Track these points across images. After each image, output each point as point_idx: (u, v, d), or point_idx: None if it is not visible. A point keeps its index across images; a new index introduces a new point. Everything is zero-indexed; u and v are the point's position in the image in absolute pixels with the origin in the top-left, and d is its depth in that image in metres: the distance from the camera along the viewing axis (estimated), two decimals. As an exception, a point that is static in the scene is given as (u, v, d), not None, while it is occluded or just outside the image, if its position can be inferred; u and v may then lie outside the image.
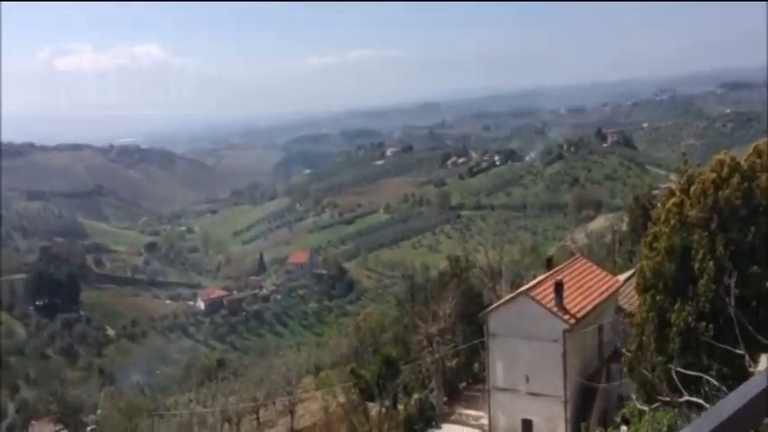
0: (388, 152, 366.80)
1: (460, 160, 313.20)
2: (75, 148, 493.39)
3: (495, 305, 32.26)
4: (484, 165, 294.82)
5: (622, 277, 36.15)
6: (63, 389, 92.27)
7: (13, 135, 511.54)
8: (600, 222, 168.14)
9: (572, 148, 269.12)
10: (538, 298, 29.32)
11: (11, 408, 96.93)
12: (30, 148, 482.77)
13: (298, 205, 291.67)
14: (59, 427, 76.28)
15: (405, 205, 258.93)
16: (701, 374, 14.27)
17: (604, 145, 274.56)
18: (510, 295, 31.99)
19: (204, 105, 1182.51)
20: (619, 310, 32.01)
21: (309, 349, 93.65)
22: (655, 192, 76.27)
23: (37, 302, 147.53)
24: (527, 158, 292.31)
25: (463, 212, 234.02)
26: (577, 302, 29.96)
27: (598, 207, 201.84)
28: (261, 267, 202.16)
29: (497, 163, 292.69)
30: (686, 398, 13.39)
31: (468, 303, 41.33)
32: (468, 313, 39.36)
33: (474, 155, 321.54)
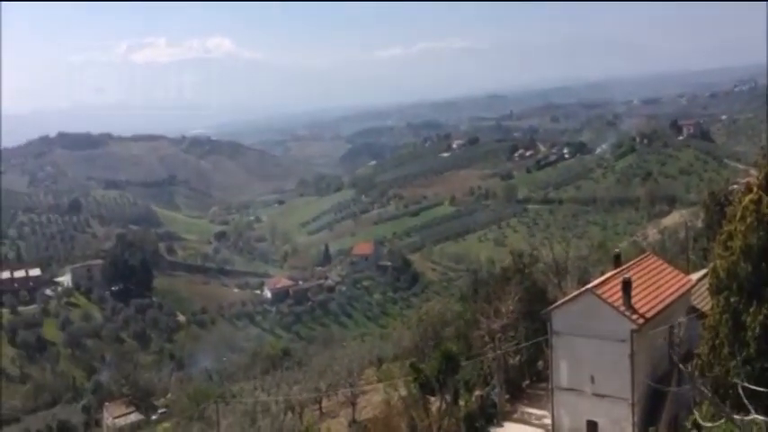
0: (454, 144, 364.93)
1: (528, 153, 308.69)
2: (150, 138, 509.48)
3: (559, 302, 31.42)
4: (552, 157, 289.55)
5: (696, 276, 34.70)
6: (136, 372, 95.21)
7: (91, 126, 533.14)
8: (674, 218, 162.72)
9: (645, 141, 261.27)
10: (604, 296, 28.35)
11: (88, 388, 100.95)
12: (107, 138, 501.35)
13: (363, 197, 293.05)
14: (131, 408, 78.77)
15: (471, 198, 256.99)
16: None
17: (680, 138, 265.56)
18: (575, 293, 31.10)
19: (273, 97, 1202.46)
20: (692, 310, 30.75)
21: (373, 341, 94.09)
22: (732, 187, 73.06)
23: (112, 288, 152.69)
24: (597, 151, 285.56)
25: (530, 206, 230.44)
26: (647, 302, 28.87)
27: (672, 202, 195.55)
28: (326, 258, 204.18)
29: (566, 156, 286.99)
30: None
31: (531, 300, 40.52)
32: (531, 310, 38.52)
33: (542, 147, 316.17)
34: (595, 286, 29.16)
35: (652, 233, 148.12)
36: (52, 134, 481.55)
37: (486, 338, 38.42)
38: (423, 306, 67.33)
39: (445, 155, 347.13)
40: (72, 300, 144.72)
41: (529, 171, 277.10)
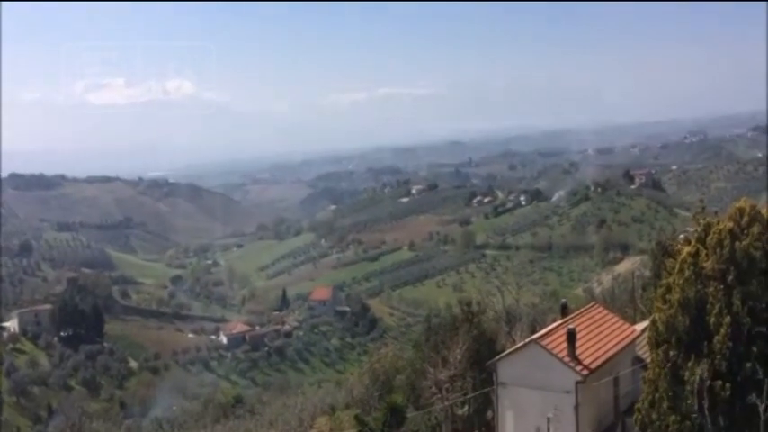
0: (414, 190, 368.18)
1: (486, 199, 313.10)
2: (106, 180, 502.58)
3: (504, 353, 31.66)
4: (510, 204, 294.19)
5: (641, 326, 35.48)
6: (83, 421, 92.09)
7: (45, 167, 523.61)
8: (626, 265, 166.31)
9: (599, 189, 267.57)
10: (549, 347, 28.65)
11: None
12: (61, 179, 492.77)
13: (323, 241, 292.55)
14: (76, 459, 75.99)
15: (429, 243, 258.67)
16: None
17: (632, 187, 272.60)
18: (520, 343, 31.41)
19: (233, 140, 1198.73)
20: (636, 361, 31.31)
21: (329, 388, 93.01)
22: (680, 236, 75.08)
23: (61, 333, 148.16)
24: (553, 199, 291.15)
25: (488, 252, 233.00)
26: (591, 352, 29.28)
27: (625, 250, 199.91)
28: (284, 303, 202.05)
29: (523, 203, 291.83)
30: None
31: (480, 349, 40.40)
32: (480, 359, 38.41)
33: (500, 194, 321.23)
34: (540, 337, 29.50)
35: (606, 279, 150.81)
36: (3, 175, 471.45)
37: (434, 389, 38.26)
38: (374, 354, 66.86)
39: (405, 200, 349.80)
40: (18, 346, 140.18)
41: (487, 217, 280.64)
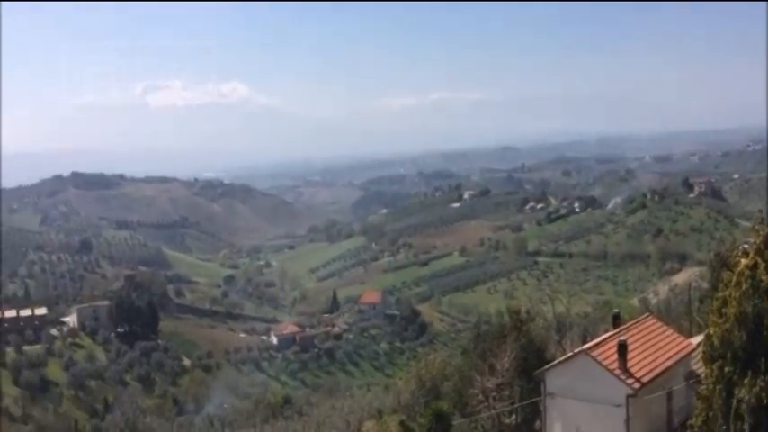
0: (465, 195, 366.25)
1: (539, 206, 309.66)
2: (163, 180, 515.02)
3: (553, 363, 31.07)
4: (563, 211, 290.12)
5: (696, 340, 34.55)
6: (137, 416, 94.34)
7: (105, 166, 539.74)
8: (684, 276, 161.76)
9: (656, 198, 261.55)
10: (599, 358, 27.90)
11: (87, 431, 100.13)
12: (120, 179, 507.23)
13: (373, 245, 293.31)
14: (130, 453, 77.71)
15: (481, 249, 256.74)
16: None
17: (691, 195, 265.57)
18: (569, 353, 30.80)
19: (286, 143, 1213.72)
20: (691, 375, 30.41)
21: (376, 392, 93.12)
22: (743, 246, 72.76)
23: (118, 329, 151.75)
24: (609, 206, 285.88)
25: (540, 259, 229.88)
26: (644, 365, 28.42)
27: (683, 260, 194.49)
28: (334, 305, 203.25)
29: (577, 210, 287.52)
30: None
31: (528, 358, 39.89)
32: (528, 368, 37.80)
33: (553, 201, 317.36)
34: (590, 347, 28.84)
35: (662, 290, 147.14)
36: (66, 173, 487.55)
37: (481, 396, 37.82)
38: (422, 359, 66.64)
39: (456, 205, 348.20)
40: (77, 340, 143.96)
41: (539, 224, 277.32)
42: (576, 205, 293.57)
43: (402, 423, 39.22)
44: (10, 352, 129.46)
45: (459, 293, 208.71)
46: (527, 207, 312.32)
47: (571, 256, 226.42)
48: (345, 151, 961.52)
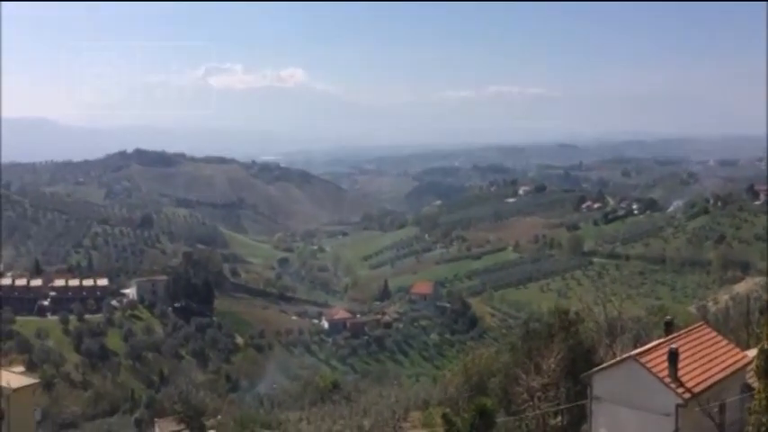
0: (521, 190, 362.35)
1: (596, 205, 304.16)
2: (222, 161, 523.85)
3: (600, 367, 30.33)
4: (621, 212, 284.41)
5: (754, 352, 33.39)
6: (190, 390, 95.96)
7: (167, 144, 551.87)
8: (746, 285, 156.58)
9: (719, 203, 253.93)
10: (649, 365, 27.08)
11: (142, 401, 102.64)
12: (181, 158, 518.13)
13: (426, 236, 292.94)
14: (182, 426, 78.84)
15: (535, 246, 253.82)
16: None
17: (757, 202, 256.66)
18: (618, 358, 29.99)
19: (342, 130, 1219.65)
20: (746, 388, 29.24)
21: (424, 383, 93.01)
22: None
23: (175, 304, 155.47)
24: (669, 209, 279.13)
25: (596, 259, 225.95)
26: (695, 375, 27.39)
27: (745, 269, 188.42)
28: (385, 294, 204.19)
29: (636, 211, 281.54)
30: None
31: (576, 359, 39.10)
32: (575, 370, 37.01)
33: (611, 201, 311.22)
34: (640, 354, 28.03)
35: (722, 299, 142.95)
36: (130, 150, 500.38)
37: (526, 395, 37.20)
38: (469, 353, 66.07)
39: (511, 200, 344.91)
40: (136, 312, 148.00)
41: (596, 224, 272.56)
42: (635, 207, 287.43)
43: (444, 416, 38.85)
44: (72, 320, 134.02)
45: (512, 289, 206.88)
46: (584, 206, 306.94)
47: (628, 258, 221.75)
48: (401, 141, 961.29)
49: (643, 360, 27.39)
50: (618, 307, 50.82)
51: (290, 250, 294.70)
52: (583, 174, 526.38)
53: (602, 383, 28.61)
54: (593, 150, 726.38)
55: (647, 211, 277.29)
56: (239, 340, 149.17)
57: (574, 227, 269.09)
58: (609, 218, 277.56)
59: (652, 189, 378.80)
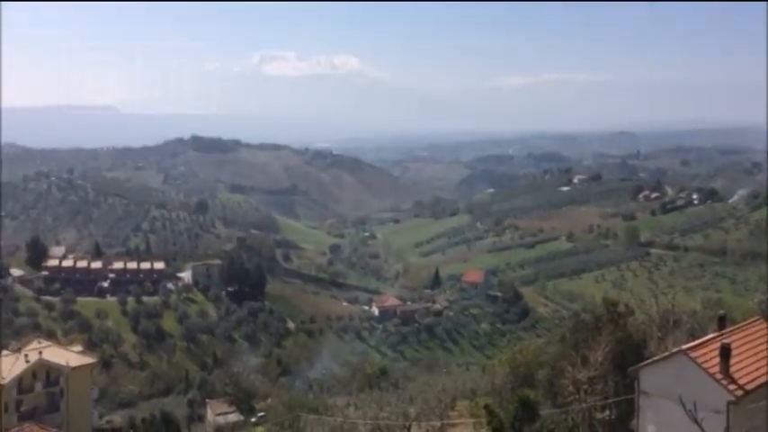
0: (576, 179, 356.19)
1: (654, 195, 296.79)
2: (276, 148, 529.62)
3: (649, 360, 29.17)
4: (680, 202, 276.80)
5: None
6: (241, 373, 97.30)
7: (222, 131, 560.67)
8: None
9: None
10: (699, 359, 25.95)
11: (196, 383, 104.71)
12: (236, 144, 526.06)
13: (478, 224, 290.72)
14: (233, 408, 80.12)
15: (590, 236, 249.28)
16: None
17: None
18: (667, 353, 28.77)
19: (394, 117, 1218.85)
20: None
21: (474, 371, 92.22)
22: None
23: (228, 288, 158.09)
24: (731, 200, 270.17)
25: (653, 250, 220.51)
26: (748, 372, 26.10)
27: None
28: (436, 281, 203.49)
29: (695, 202, 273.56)
30: None
31: (624, 352, 37.90)
32: (624, 363, 35.88)
33: (669, 190, 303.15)
34: (690, 348, 26.88)
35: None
36: (187, 136, 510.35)
37: (572, 388, 36.17)
38: (517, 344, 65.01)
39: (565, 189, 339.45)
40: (191, 296, 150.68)
41: (654, 214, 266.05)
42: (695, 197, 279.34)
43: (487, 407, 38.20)
44: (130, 301, 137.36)
45: (565, 280, 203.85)
46: (641, 195, 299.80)
47: (687, 249, 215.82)
48: (454, 128, 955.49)
49: (693, 354, 26.31)
50: (671, 299, 49.29)
51: (341, 237, 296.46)
52: (640, 163, 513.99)
53: (650, 378, 27.62)
54: (651, 139, 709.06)
55: (708, 202, 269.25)
56: (291, 325, 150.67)
57: (630, 217, 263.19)
58: (667, 208, 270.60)
59: (713, 179, 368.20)
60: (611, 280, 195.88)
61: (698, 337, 33.78)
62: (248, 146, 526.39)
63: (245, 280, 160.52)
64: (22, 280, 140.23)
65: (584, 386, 35.27)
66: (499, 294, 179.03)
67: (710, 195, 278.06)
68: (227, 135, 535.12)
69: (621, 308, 43.19)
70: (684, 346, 27.60)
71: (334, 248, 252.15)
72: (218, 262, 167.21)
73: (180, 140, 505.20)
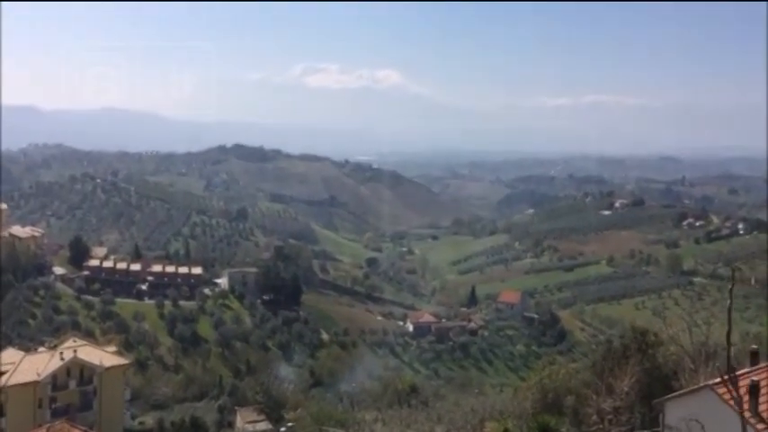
0: (617, 203, 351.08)
1: (698, 223, 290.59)
2: (316, 159, 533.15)
3: (674, 394, 27.88)
4: (725, 231, 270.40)
5: None
6: (273, 382, 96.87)
7: (263, 140, 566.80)
8: None
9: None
10: (726, 396, 24.52)
11: (228, 389, 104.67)
12: (277, 154, 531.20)
13: (517, 244, 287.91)
14: (262, 417, 79.57)
15: (630, 261, 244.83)
16: None
17: None
18: (694, 387, 27.46)
19: (435, 133, 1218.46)
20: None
21: (506, 393, 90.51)
22: None
23: (264, 296, 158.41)
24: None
25: (696, 279, 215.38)
26: None
27: None
28: (472, 300, 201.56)
29: (741, 231, 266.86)
30: None
31: (653, 383, 36.49)
32: (651, 394, 34.68)
33: (715, 219, 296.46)
34: (717, 383, 25.50)
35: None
36: (229, 144, 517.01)
37: (596, 417, 34.94)
38: (545, 368, 63.52)
39: (606, 213, 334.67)
40: (226, 302, 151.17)
41: (698, 242, 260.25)
42: (741, 226, 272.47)
43: (506, 431, 37.06)
44: (167, 305, 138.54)
45: (604, 304, 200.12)
46: (685, 223, 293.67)
47: (733, 280, 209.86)
48: (495, 147, 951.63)
49: (720, 390, 24.99)
50: (706, 331, 47.45)
51: (378, 250, 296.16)
52: (685, 189, 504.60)
53: (675, 411, 26.62)
54: (697, 165, 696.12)
55: (754, 232, 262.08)
56: (324, 336, 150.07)
57: (673, 244, 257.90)
58: (712, 237, 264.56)
59: (761, 209, 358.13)
60: (652, 307, 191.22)
61: (734, 372, 32.20)
62: (289, 156, 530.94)
63: (281, 289, 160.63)
64: (63, 278, 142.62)
65: (609, 416, 34.15)
66: (536, 316, 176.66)
67: (758, 226, 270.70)
68: (268, 144, 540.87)
69: (651, 337, 41.90)
70: (711, 381, 26.43)
71: (371, 262, 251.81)
72: (254, 269, 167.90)
73: (222, 148, 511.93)
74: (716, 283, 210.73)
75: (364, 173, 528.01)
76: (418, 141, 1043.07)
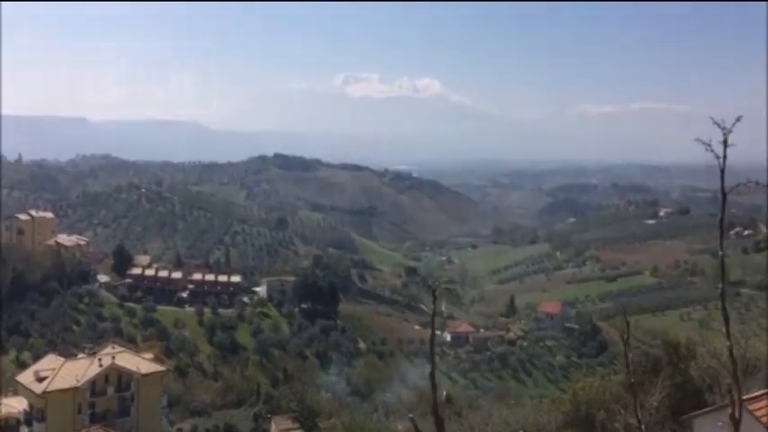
0: (662, 212, 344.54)
1: (746, 232, 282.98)
2: (356, 168, 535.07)
3: (703, 410, 26.93)
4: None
5: None
6: (308, 390, 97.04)
7: (304, 150, 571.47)
8: None
9: None
10: (757, 413, 23.60)
11: (263, 396, 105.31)
12: (317, 163, 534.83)
13: (558, 253, 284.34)
14: (297, 425, 79.58)
15: (675, 272, 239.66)
16: None
17: None
18: (724, 403, 26.54)
19: (475, 142, 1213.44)
20: None
21: (544, 405, 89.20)
22: None
23: (302, 305, 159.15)
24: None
25: (744, 290, 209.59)
26: None
27: None
28: (511, 310, 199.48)
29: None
30: None
31: (684, 399, 35.29)
32: (682, 410, 33.60)
33: (764, 229, 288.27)
34: (748, 399, 24.57)
35: None
36: (270, 154, 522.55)
37: None
38: (578, 381, 62.36)
39: (650, 222, 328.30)
40: (265, 310, 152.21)
41: (746, 252, 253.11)
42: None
43: None
44: (207, 312, 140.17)
45: (648, 316, 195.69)
46: (732, 232, 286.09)
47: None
48: (537, 155, 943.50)
49: (751, 407, 24.07)
50: (744, 344, 45.90)
51: (418, 260, 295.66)
52: (733, 198, 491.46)
53: (704, 428, 25.64)
54: (746, 173, 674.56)
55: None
56: (362, 345, 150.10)
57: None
58: (760, 247, 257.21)
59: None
60: (698, 319, 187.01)
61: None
62: (329, 165, 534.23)
63: (319, 297, 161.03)
64: (107, 286, 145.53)
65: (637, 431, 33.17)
66: (576, 327, 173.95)
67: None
68: (308, 154, 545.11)
69: (683, 350, 40.66)
70: (743, 397, 25.45)
71: (410, 271, 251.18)
72: (292, 278, 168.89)
73: (263, 158, 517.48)
74: (764, 293, 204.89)
75: (404, 182, 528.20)
76: (459, 150, 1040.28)
